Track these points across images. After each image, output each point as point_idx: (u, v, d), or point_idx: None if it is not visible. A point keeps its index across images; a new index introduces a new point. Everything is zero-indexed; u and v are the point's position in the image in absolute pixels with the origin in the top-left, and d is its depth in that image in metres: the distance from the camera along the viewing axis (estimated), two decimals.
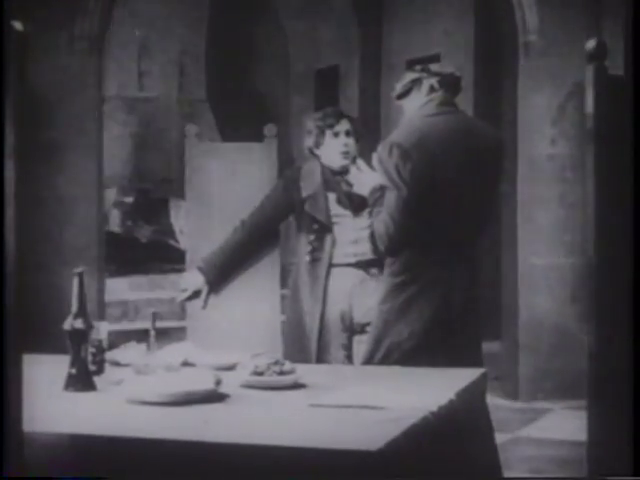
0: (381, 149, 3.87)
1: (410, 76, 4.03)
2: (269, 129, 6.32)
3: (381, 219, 3.90)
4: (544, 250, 7.07)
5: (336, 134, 4.72)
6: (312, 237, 4.81)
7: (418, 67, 4.08)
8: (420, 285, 3.90)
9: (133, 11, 11.19)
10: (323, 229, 4.74)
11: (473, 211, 3.94)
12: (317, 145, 4.77)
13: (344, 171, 4.66)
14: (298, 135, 12.08)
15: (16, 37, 1.99)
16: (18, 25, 2.00)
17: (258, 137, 6.35)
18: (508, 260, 7.17)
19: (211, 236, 6.32)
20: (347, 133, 4.74)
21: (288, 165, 6.59)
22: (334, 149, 4.72)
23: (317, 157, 4.83)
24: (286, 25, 12.16)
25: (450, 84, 4.00)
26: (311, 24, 11.77)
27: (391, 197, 3.85)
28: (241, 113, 10.96)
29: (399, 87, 4.06)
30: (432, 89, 3.99)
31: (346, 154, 4.69)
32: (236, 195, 6.32)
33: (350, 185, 4.56)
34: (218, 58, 12.18)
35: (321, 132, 4.74)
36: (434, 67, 4.09)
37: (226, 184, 6.31)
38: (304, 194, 4.80)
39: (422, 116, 3.99)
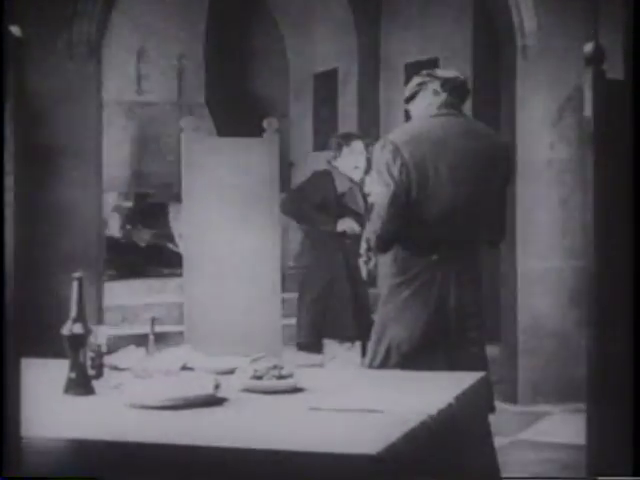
0: (376, 146, 3.95)
1: (416, 80, 4.10)
2: (269, 123, 6.33)
3: (371, 216, 3.94)
4: (544, 253, 7.07)
5: (351, 151, 6.02)
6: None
7: (424, 72, 4.13)
8: (417, 286, 3.91)
9: (131, 15, 11.20)
10: (359, 218, 5.90)
11: (472, 212, 3.95)
12: (335, 158, 6.06)
13: (361, 182, 5.92)
14: (298, 138, 12.07)
15: (14, 42, 1.99)
16: (16, 30, 2.00)
17: (258, 135, 6.35)
18: (507, 263, 7.16)
19: (209, 239, 6.31)
20: (360, 152, 6.03)
21: (287, 167, 6.66)
22: (348, 163, 6.03)
23: (334, 168, 6.06)
24: (284, 29, 12.17)
25: (453, 87, 4.03)
26: (309, 27, 11.78)
27: (380, 194, 3.88)
28: (240, 117, 10.97)
29: (406, 91, 4.13)
30: (436, 92, 4.03)
31: (357, 168, 6.03)
32: (236, 194, 6.31)
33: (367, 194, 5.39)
34: (217, 62, 12.19)
35: (339, 148, 6.04)
36: (440, 72, 4.13)
37: (225, 182, 6.30)
38: (340, 190, 6.00)
39: (422, 117, 4.05)
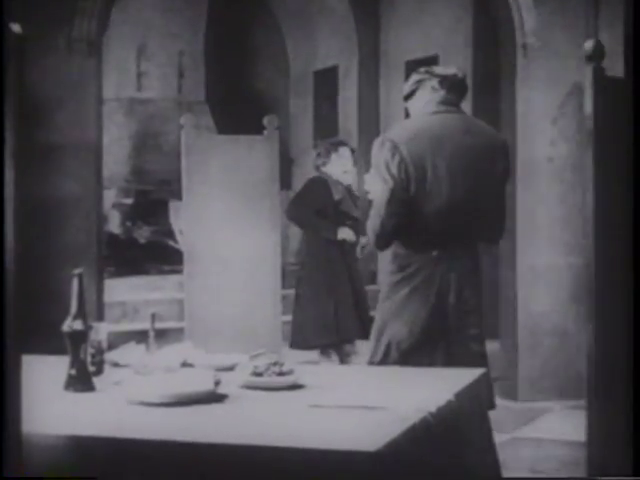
0: (375, 144, 3.94)
1: (415, 77, 4.10)
2: (270, 120, 6.38)
3: (370, 214, 3.94)
4: (543, 250, 7.08)
5: (339, 157, 6.38)
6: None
7: (422, 69, 4.13)
8: (416, 283, 3.92)
9: (132, 13, 11.19)
10: (356, 223, 6.32)
11: (471, 209, 3.94)
12: (324, 164, 6.40)
13: (350, 187, 6.41)
14: (297, 136, 12.03)
15: (15, 39, 1.99)
16: (16, 27, 2.00)
17: (259, 133, 6.38)
18: (507, 260, 7.17)
19: (209, 236, 6.31)
20: (347, 158, 6.41)
21: (288, 165, 6.73)
22: (337, 168, 6.38)
23: (324, 173, 6.39)
24: (284, 26, 12.17)
25: (452, 84, 4.03)
26: (309, 25, 11.78)
27: (379, 191, 3.88)
28: (240, 114, 10.97)
29: (405, 88, 4.13)
30: (434, 89, 4.03)
31: (346, 173, 6.39)
32: (236, 191, 6.32)
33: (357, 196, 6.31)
34: (217, 59, 12.19)
35: (328, 153, 6.39)
36: (438, 69, 4.13)
37: (225, 179, 6.30)
38: (336, 197, 6.32)
39: (420, 115, 4.05)
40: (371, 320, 6.17)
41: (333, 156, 6.40)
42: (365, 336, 6.11)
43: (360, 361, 6.36)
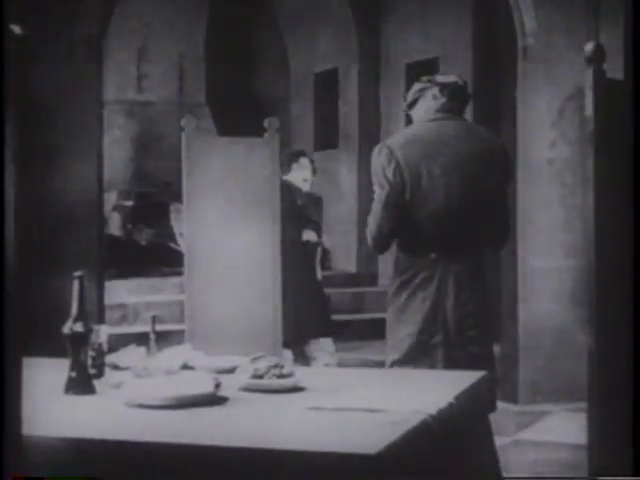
0: (374, 151, 4.04)
1: (417, 86, 4.16)
2: (270, 122, 6.40)
3: (368, 219, 4.00)
4: (544, 252, 7.08)
5: (300, 166, 6.99)
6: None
7: (425, 78, 4.18)
8: (415, 285, 3.94)
9: (132, 15, 11.20)
10: (317, 227, 6.94)
11: (467, 213, 3.96)
12: (286, 172, 6.91)
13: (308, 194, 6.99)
14: (298, 138, 12.05)
15: (15, 41, 1.99)
16: (17, 29, 2.00)
17: (259, 135, 6.40)
18: (508, 262, 7.17)
19: (210, 238, 6.31)
20: (307, 167, 7.00)
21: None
22: (298, 176, 6.97)
23: (285, 181, 6.81)
24: (285, 29, 12.17)
25: (452, 92, 4.07)
26: (310, 27, 11.78)
27: (376, 195, 3.95)
28: (241, 116, 10.97)
29: (408, 97, 4.18)
30: (434, 97, 4.07)
31: (305, 181, 6.98)
32: (236, 193, 6.32)
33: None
34: (217, 62, 12.19)
35: (289, 163, 6.98)
36: (439, 77, 4.17)
37: (226, 181, 6.29)
38: (299, 202, 6.89)
39: (420, 122, 4.10)
40: (331, 318, 7.00)
41: (294, 165, 6.97)
42: (326, 334, 6.83)
43: (326, 358, 6.80)
